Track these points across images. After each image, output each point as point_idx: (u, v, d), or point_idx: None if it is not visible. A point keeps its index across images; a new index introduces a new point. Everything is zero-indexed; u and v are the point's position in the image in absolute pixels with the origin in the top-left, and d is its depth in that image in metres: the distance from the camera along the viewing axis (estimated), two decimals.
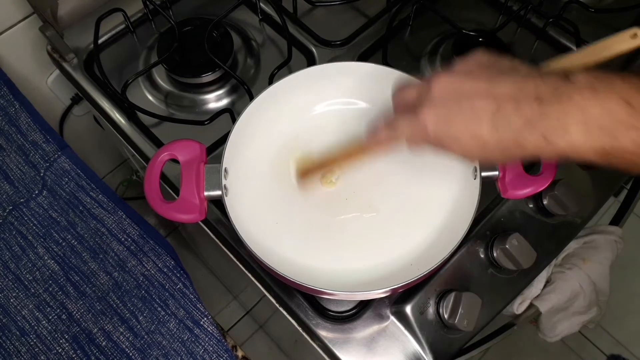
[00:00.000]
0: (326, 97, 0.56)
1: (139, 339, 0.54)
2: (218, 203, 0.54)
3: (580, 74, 0.33)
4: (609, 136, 0.31)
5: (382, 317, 0.52)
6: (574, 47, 0.66)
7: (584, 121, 0.31)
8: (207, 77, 0.63)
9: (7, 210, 0.59)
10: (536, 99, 0.33)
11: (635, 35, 0.43)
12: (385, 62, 0.64)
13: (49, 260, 0.57)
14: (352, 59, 0.66)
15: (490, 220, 0.56)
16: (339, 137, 0.55)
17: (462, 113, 0.36)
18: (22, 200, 0.60)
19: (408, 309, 0.52)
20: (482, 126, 0.35)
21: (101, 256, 0.57)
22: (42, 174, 0.61)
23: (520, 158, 0.36)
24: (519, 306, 0.66)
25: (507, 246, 0.52)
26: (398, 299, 0.53)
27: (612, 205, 0.80)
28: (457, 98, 0.36)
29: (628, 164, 0.32)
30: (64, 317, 0.54)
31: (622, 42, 0.42)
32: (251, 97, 0.59)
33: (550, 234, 0.57)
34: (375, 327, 0.52)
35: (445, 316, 0.50)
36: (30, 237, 0.58)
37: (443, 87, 0.37)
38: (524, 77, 0.35)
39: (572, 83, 0.33)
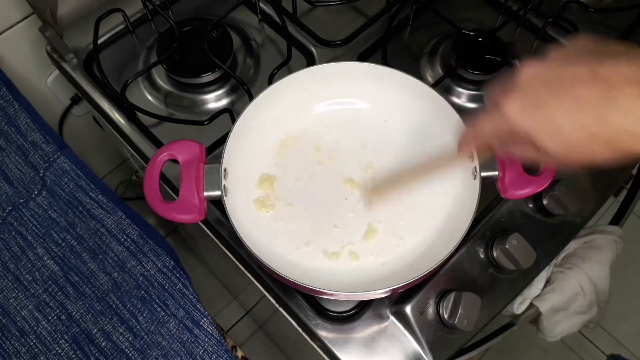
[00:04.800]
0: (326, 97, 0.56)
1: (139, 339, 0.53)
2: (218, 203, 0.54)
3: None
4: None
5: (382, 317, 0.52)
6: None
7: None
8: (207, 77, 0.63)
9: (7, 211, 0.59)
10: None
11: None
12: (385, 62, 0.64)
13: (48, 261, 0.57)
14: (352, 59, 0.66)
15: (490, 220, 0.56)
16: (339, 137, 0.55)
17: (559, 100, 0.31)
18: (21, 200, 0.60)
19: (408, 309, 0.51)
20: (585, 114, 0.30)
21: (101, 256, 0.57)
22: (41, 174, 0.61)
23: (631, 155, 0.30)
24: (519, 306, 0.66)
25: (507, 246, 0.52)
26: (398, 299, 0.53)
27: (612, 205, 0.80)
28: (551, 84, 0.31)
29: None
30: (63, 317, 0.54)
31: None
32: (251, 97, 0.59)
33: (550, 234, 0.57)
34: (375, 327, 0.52)
35: (445, 316, 0.50)
36: (29, 238, 0.58)
37: (531, 74, 0.33)
38: None
39: None
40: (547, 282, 0.68)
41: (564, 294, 0.68)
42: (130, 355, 0.53)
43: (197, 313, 0.55)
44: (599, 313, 0.73)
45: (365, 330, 0.52)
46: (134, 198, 1.14)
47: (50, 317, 0.54)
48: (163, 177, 0.58)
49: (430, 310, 0.52)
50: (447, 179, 0.51)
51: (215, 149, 0.60)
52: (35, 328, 0.54)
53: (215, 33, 0.65)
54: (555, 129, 0.31)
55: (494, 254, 0.53)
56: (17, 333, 0.53)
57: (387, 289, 0.45)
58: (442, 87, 0.63)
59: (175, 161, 0.49)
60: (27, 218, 0.59)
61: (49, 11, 0.62)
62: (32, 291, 0.55)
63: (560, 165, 0.34)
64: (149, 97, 0.65)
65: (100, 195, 0.60)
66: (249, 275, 0.55)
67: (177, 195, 0.47)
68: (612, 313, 0.82)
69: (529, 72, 0.33)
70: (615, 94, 0.29)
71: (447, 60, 0.65)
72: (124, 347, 0.53)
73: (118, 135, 0.63)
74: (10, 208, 0.59)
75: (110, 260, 0.57)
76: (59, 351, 0.53)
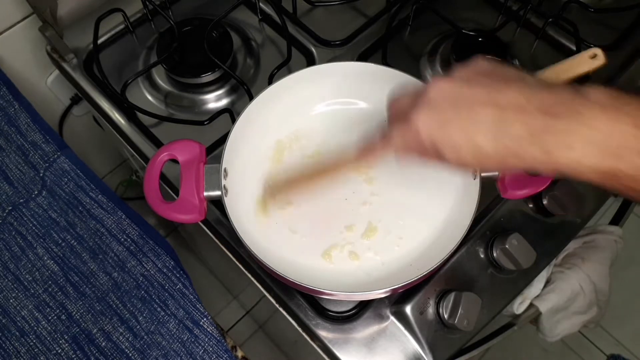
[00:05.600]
0: (326, 97, 0.56)
1: (139, 339, 0.53)
2: (218, 203, 0.54)
3: (595, 90, 0.31)
4: (612, 158, 0.30)
5: (382, 317, 0.52)
6: (573, 47, 0.66)
7: (589, 139, 0.30)
8: (207, 77, 0.63)
9: (7, 211, 0.59)
10: (542, 110, 0.32)
11: (594, 56, 0.43)
12: (384, 62, 0.64)
13: (48, 261, 0.57)
14: (352, 59, 0.66)
15: (490, 220, 0.56)
16: (339, 137, 0.55)
17: (460, 119, 0.34)
18: (21, 200, 0.60)
19: (408, 309, 0.51)
20: (480, 134, 0.34)
21: (101, 256, 0.57)
22: (41, 175, 0.61)
23: (516, 170, 0.35)
24: (519, 306, 0.66)
25: (507, 246, 0.52)
26: (398, 299, 0.53)
27: (612, 205, 0.80)
28: (455, 103, 0.35)
29: (627, 189, 0.31)
30: (63, 317, 0.54)
31: (582, 63, 0.42)
32: (251, 97, 0.59)
33: (550, 234, 0.57)
34: (375, 327, 0.52)
35: (445, 316, 0.50)
36: (29, 238, 0.58)
37: (440, 91, 0.36)
38: (530, 87, 0.33)
39: (583, 98, 0.31)
40: (547, 282, 0.68)
41: (564, 294, 0.68)
42: (130, 355, 0.53)
43: (197, 313, 0.55)
44: (599, 313, 0.73)
45: (365, 330, 0.52)
46: (134, 198, 1.14)
47: (50, 317, 0.54)
48: (163, 177, 0.58)
49: (430, 310, 0.52)
50: (447, 179, 0.51)
51: (215, 149, 0.60)
52: (35, 328, 0.54)
53: (215, 33, 0.65)
54: (455, 145, 0.35)
55: (494, 254, 0.53)
56: (17, 333, 0.53)
57: (387, 289, 0.45)
58: None
59: (175, 161, 0.49)
60: (27, 218, 0.59)
61: (49, 11, 0.62)
62: (32, 291, 0.55)
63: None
64: (149, 97, 0.65)
65: (100, 195, 0.60)
66: (249, 275, 0.55)
67: (177, 195, 0.47)
68: (612, 313, 0.82)
69: (437, 89, 0.36)
70: (503, 117, 0.33)
71: (447, 60, 0.65)
72: (124, 347, 0.53)
73: (118, 135, 0.63)
74: (10, 208, 0.59)
75: (110, 260, 0.57)
76: (59, 351, 0.53)
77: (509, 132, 0.33)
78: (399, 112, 0.40)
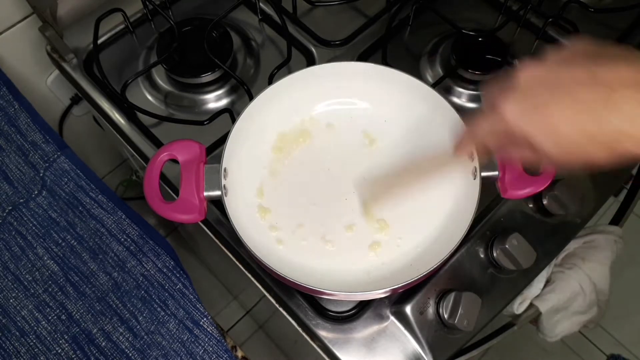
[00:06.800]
0: (326, 97, 0.56)
1: (139, 339, 0.53)
2: (218, 203, 0.54)
3: None
4: None
5: (382, 317, 0.52)
6: None
7: None
8: (207, 77, 0.63)
9: (7, 211, 0.59)
10: None
11: None
12: (385, 62, 0.64)
13: (48, 261, 0.57)
14: (352, 59, 0.66)
15: (490, 220, 0.56)
16: (339, 137, 0.55)
17: (559, 103, 0.31)
18: (21, 200, 0.60)
19: (408, 309, 0.52)
20: (586, 117, 0.30)
21: (101, 256, 0.57)
22: (41, 174, 0.61)
23: (629, 157, 0.31)
24: (519, 306, 0.66)
25: (507, 246, 0.52)
26: (398, 299, 0.53)
27: (612, 205, 0.80)
28: (550, 87, 0.32)
29: None
30: (63, 317, 0.54)
31: None
32: (251, 97, 0.59)
33: (550, 234, 0.57)
34: (375, 327, 0.52)
35: (445, 316, 0.50)
36: (29, 238, 0.58)
37: (529, 75, 0.33)
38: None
39: None
40: (547, 282, 0.68)
41: (564, 294, 0.68)
42: (130, 355, 0.53)
43: (197, 313, 0.55)
44: (599, 313, 0.73)
45: (365, 330, 0.52)
46: (134, 198, 1.14)
47: (50, 317, 0.54)
48: (163, 177, 0.58)
49: (430, 310, 0.52)
50: (447, 179, 0.51)
51: (215, 149, 0.60)
52: (35, 328, 0.54)
53: (215, 33, 0.65)
54: (554, 131, 0.32)
55: (494, 254, 0.53)
56: (17, 333, 0.53)
57: (387, 289, 0.45)
58: (442, 87, 0.63)
59: (175, 161, 0.49)
60: (27, 218, 0.59)
61: (49, 11, 0.62)
62: (32, 291, 0.55)
63: (558, 166, 0.34)
64: (149, 97, 0.65)
65: (100, 195, 0.60)
66: (249, 275, 0.55)
67: (177, 195, 0.47)
68: (612, 313, 0.82)
69: (527, 74, 0.33)
70: (615, 97, 0.29)
71: (447, 60, 0.65)
72: (124, 347, 0.53)
73: (118, 135, 0.63)
74: (10, 208, 0.59)
75: (110, 260, 0.57)
76: (59, 351, 0.53)
77: (622, 112, 0.29)
78: (490, 102, 0.36)
